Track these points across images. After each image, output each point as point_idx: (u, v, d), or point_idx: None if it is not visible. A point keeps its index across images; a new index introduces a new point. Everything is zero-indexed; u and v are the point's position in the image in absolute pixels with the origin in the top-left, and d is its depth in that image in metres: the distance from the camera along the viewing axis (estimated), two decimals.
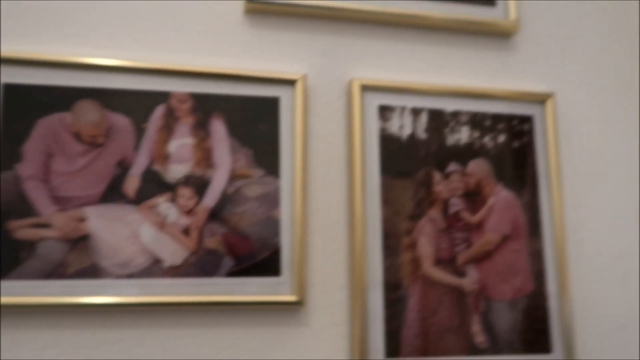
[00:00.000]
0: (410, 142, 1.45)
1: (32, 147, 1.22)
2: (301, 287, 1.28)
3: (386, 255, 1.36)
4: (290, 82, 1.38)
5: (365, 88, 1.43)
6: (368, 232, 1.36)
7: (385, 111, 1.44)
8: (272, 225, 1.31)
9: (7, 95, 1.23)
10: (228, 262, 1.27)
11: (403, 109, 1.46)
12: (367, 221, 1.36)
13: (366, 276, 1.33)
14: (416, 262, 1.38)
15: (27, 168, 1.21)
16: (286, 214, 1.32)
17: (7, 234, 1.18)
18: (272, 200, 1.32)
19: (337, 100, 1.44)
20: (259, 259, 1.29)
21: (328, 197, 1.38)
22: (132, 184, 1.26)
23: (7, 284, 1.15)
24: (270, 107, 1.37)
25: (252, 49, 1.42)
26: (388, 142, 1.43)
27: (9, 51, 1.24)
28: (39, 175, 1.21)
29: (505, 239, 1.45)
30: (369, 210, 1.37)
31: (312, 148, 1.40)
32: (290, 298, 1.27)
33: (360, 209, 1.35)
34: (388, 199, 1.40)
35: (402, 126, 1.45)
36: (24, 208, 1.20)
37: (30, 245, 1.18)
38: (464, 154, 1.48)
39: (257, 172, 1.33)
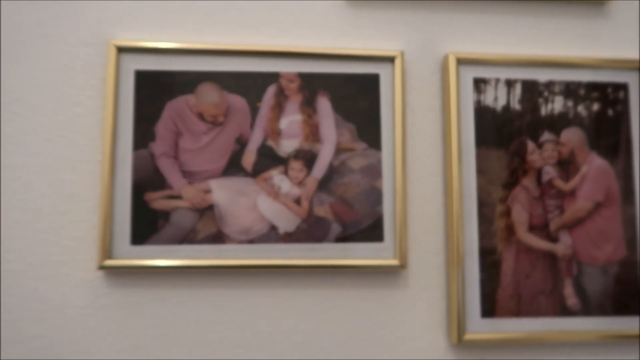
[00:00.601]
0: (505, 113, 1.44)
1: (163, 127, 1.32)
2: (402, 252, 1.33)
3: (481, 222, 1.39)
4: (389, 59, 1.40)
5: (461, 62, 1.43)
6: (464, 200, 1.39)
7: (480, 84, 1.44)
8: (375, 194, 1.36)
9: (139, 81, 1.32)
10: (336, 229, 1.34)
11: (497, 80, 1.45)
12: (463, 190, 1.39)
13: (463, 242, 1.36)
14: (510, 229, 1.40)
15: (160, 146, 1.31)
16: (387, 184, 1.36)
17: (146, 205, 1.29)
18: (374, 171, 1.37)
19: (433, 74, 1.45)
20: (364, 226, 1.34)
21: (426, 168, 1.41)
22: (249, 159, 1.34)
23: (148, 248, 1.27)
24: (370, 83, 1.40)
25: (352, 28, 1.44)
26: (483, 114, 1.43)
27: (138, 40, 1.33)
28: (170, 152, 1.31)
29: (598, 206, 1.44)
30: (465, 180, 1.40)
31: (410, 121, 1.42)
32: (393, 262, 1.33)
33: (456, 179, 1.38)
34: (483, 169, 1.41)
35: (496, 98, 1.45)
36: (158, 181, 1.30)
37: (165, 215, 1.29)
38: (558, 123, 1.46)
39: (360, 146, 1.38)
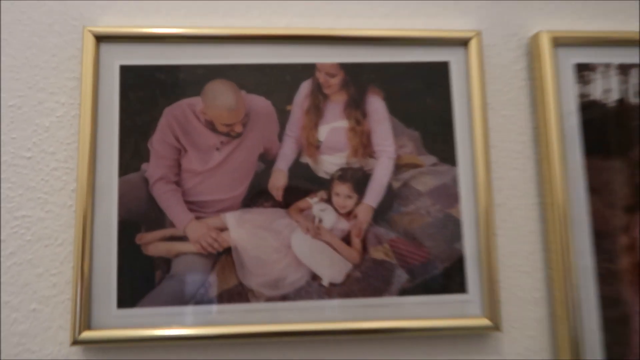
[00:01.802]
0: (620, 110, 1.01)
1: (160, 142, 0.90)
2: (494, 306, 0.89)
3: (599, 261, 0.94)
4: (462, 42, 0.97)
5: (557, 42, 0.99)
6: (572, 231, 0.94)
7: (584, 71, 1.00)
8: (452, 226, 0.93)
9: (125, 80, 0.90)
10: (400, 277, 0.90)
11: (607, 66, 1.02)
12: (569, 217, 0.94)
13: (573, 288, 0.93)
14: (639, 269, 0.97)
15: (156, 168, 0.89)
16: (467, 211, 0.92)
17: (138, 250, 0.87)
18: (449, 194, 0.93)
19: (521, 60, 1.01)
20: (439, 271, 0.91)
21: (515, 186, 0.97)
22: (278, 182, 0.92)
23: (142, 312, 0.85)
24: (438, 74, 0.96)
25: (413, 4, 1.02)
26: (591, 111, 1.00)
27: (123, 26, 0.93)
28: (170, 176, 0.90)
29: None
30: (572, 202, 0.95)
31: (493, 125, 0.98)
32: (482, 321, 0.89)
33: (560, 202, 0.94)
34: (596, 187, 0.97)
35: (608, 89, 1.01)
36: (155, 217, 0.88)
37: (165, 263, 0.87)
38: None
39: (428, 160, 0.95)
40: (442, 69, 0.97)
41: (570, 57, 1.00)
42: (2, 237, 0.87)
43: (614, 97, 0.99)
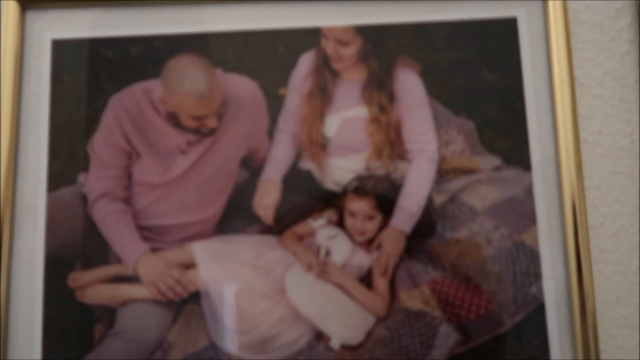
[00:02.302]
0: None
1: (104, 143, 0.65)
2: None
3: None
4: None
5: None
6: None
7: None
8: (525, 260, 0.62)
9: (58, 58, 0.66)
10: (448, 336, 0.61)
11: None
12: None
13: None
14: None
15: (97, 180, 0.64)
16: (549, 237, 0.62)
17: (71, 296, 0.62)
18: (520, 213, 0.63)
19: (621, 15, 0.70)
20: (507, 327, 0.61)
21: (620, 199, 0.65)
22: (267, 197, 0.65)
23: None
24: (500, 38, 0.67)
25: None
26: None
27: None
28: (117, 191, 0.65)
29: None
30: None
31: (584, 111, 0.67)
32: None
33: None
34: None
35: None
36: (94, 249, 0.63)
37: (107, 315, 0.62)
38: None
39: (488, 162, 0.65)
40: (506, 29, 0.68)
41: None
42: None
43: None
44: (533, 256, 0.63)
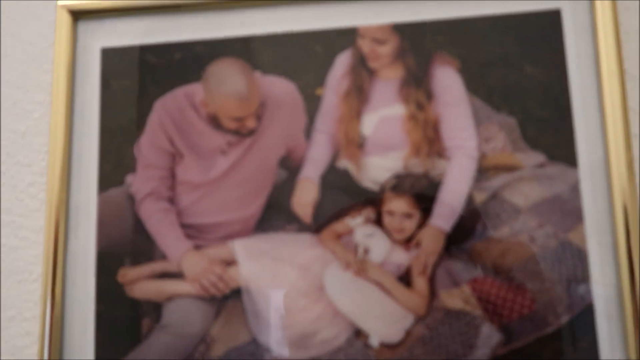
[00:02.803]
0: None
1: (149, 146, 0.67)
2: None
3: None
4: None
5: None
6: None
7: None
8: (572, 259, 0.59)
9: (107, 66, 0.69)
10: (490, 337, 0.58)
11: None
12: None
13: None
14: None
15: (144, 180, 0.66)
16: (598, 235, 0.59)
17: (120, 291, 0.65)
18: (565, 210, 0.60)
19: None
20: (553, 328, 0.58)
21: None
22: (306, 196, 0.65)
23: None
24: (543, 31, 0.64)
25: None
26: None
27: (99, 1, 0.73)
28: (162, 191, 0.66)
29: None
30: None
31: (633, 105, 0.63)
32: None
33: None
34: None
35: None
36: (141, 246, 0.66)
37: (154, 310, 0.64)
38: None
39: (531, 158, 0.62)
40: (550, 21, 0.65)
41: None
42: None
43: None
44: (580, 256, 0.59)
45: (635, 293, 0.57)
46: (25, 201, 0.71)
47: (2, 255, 0.70)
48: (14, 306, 0.69)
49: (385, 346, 0.61)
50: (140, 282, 0.65)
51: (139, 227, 0.66)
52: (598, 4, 0.64)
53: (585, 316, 0.59)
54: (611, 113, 0.62)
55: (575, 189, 0.61)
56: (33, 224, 0.70)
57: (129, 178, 0.67)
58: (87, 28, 0.70)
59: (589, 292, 0.59)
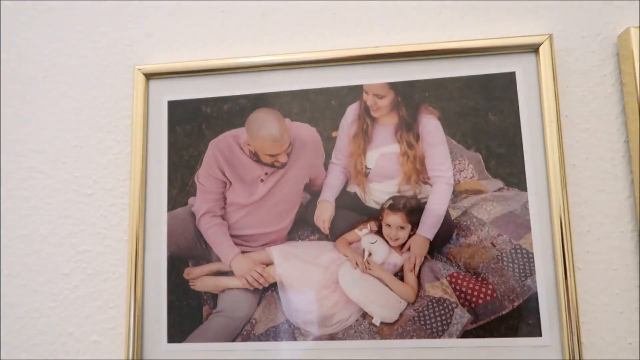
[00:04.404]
0: None
1: (206, 175, 0.88)
2: (575, 352, 0.76)
3: None
4: (530, 48, 0.83)
5: None
6: None
7: None
8: (522, 260, 0.79)
9: (173, 114, 0.90)
10: (461, 317, 0.79)
11: None
12: None
13: None
14: None
15: (202, 202, 0.87)
16: (541, 241, 0.79)
17: (186, 285, 0.86)
18: (517, 223, 0.80)
19: (603, 65, 0.85)
20: (507, 310, 0.78)
21: (601, 212, 0.81)
22: (324, 213, 0.85)
23: (190, 347, 0.83)
24: (502, 87, 0.84)
25: (467, 12, 0.89)
26: None
27: (169, 63, 0.91)
28: (216, 210, 0.87)
29: None
30: None
31: (571, 142, 0.84)
32: None
33: None
34: None
35: None
36: (201, 251, 0.86)
37: (212, 299, 0.85)
38: None
39: (492, 184, 0.82)
40: (507, 80, 0.84)
41: None
42: (68, 270, 0.91)
43: None
44: (528, 257, 0.80)
45: (567, 285, 0.78)
46: (108, 218, 0.92)
47: (91, 259, 0.92)
48: (101, 298, 0.91)
49: (385, 324, 0.81)
50: (200, 278, 0.86)
51: (199, 237, 0.87)
52: (542, 68, 0.84)
53: (531, 301, 0.79)
54: (551, 150, 0.81)
55: (525, 207, 0.81)
56: (115, 235, 0.91)
57: (191, 200, 0.88)
58: (157, 85, 0.91)
59: (534, 283, 0.79)
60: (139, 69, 0.90)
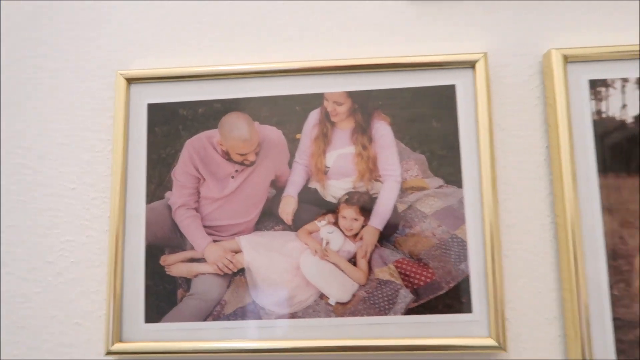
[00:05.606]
0: (638, 125, 0.96)
1: (181, 172, 0.97)
2: (499, 326, 0.89)
3: (614, 282, 0.91)
4: (468, 64, 0.96)
5: (569, 59, 0.96)
6: (585, 250, 0.91)
7: (599, 87, 0.97)
8: (457, 247, 0.92)
9: (152, 116, 0.99)
10: (405, 297, 0.92)
11: (625, 81, 0.97)
12: (583, 238, 0.91)
13: (586, 310, 0.89)
14: None
15: (178, 196, 0.96)
16: (474, 232, 0.92)
17: (162, 271, 0.95)
18: (454, 216, 0.93)
19: (531, 80, 0.98)
20: (444, 291, 0.91)
21: (525, 207, 0.95)
22: (288, 207, 0.96)
23: (165, 327, 0.93)
24: (444, 98, 0.96)
25: (417, 30, 1.02)
26: (606, 129, 0.95)
27: (150, 68, 1.01)
28: (190, 203, 0.97)
29: None
30: (585, 222, 0.92)
31: (502, 146, 0.97)
32: (487, 341, 0.88)
33: (573, 222, 0.91)
34: (612, 206, 0.93)
35: (625, 105, 0.96)
36: (177, 241, 0.96)
37: (186, 283, 0.94)
38: None
39: (434, 182, 0.95)
40: (448, 92, 0.97)
41: (584, 74, 0.96)
42: (51, 259, 0.99)
43: (632, 112, 0.95)
44: (463, 245, 0.92)
45: (495, 269, 0.90)
46: (90, 210, 1.00)
47: (73, 247, 0.99)
48: (83, 284, 0.99)
49: (339, 304, 0.92)
50: (175, 265, 0.95)
51: (175, 228, 0.96)
52: (478, 83, 0.96)
53: (464, 283, 0.91)
54: (484, 152, 0.94)
55: (461, 202, 0.94)
56: (96, 226, 1.00)
57: (168, 194, 0.97)
58: (138, 89, 1.00)
59: (467, 267, 0.91)
60: (121, 74, 0.99)
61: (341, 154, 0.97)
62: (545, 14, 1.01)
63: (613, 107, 0.95)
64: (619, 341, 0.88)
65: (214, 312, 0.93)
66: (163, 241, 0.96)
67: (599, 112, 0.95)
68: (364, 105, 0.98)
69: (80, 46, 1.05)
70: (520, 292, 0.93)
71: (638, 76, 0.95)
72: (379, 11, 1.03)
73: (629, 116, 0.95)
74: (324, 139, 0.97)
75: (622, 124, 0.95)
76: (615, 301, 0.89)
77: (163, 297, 0.94)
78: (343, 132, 0.97)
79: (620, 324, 0.89)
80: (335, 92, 0.98)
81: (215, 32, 1.04)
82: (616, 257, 0.91)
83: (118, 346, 0.92)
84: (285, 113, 0.98)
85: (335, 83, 0.98)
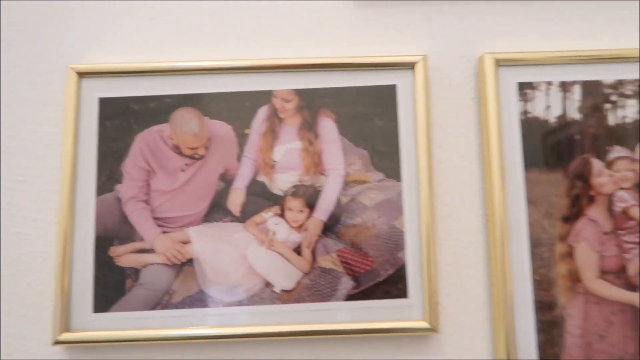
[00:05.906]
0: (561, 125, 1.04)
1: (132, 165, 0.99)
2: (433, 310, 0.95)
3: (536, 268, 0.99)
4: (408, 66, 1.02)
5: (500, 63, 1.03)
6: (511, 239, 0.99)
7: (526, 89, 1.04)
8: (395, 237, 0.99)
9: (103, 110, 1.00)
10: (346, 284, 0.97)
11: (549, 84, 1.05)
12: (509, 227, 0.99)
13: (511, 294, 0.97)
14: (574, 275, 0.99)
15: (128, 188, 0.98)
16: (411, 223, 0.98)
17: (111, 261, 0.97)
18: (393, 208, 0.99)
19: (466, 82, 1.06)
20: (382, 278, 0.97)
21: (460, 200, 1.02)
22: (236, 199, 1.00)
23: (114, 316, 0.95)
24: (385, 97, 1.02)
25: (361, 32, 1.07)
26: (532, 127, 1.03)
27: (102, 63, 1.03)
28: (140, 196, 0.99)
29: None
30: (512, 213, 1.00)
31: (438, 143, 1.03)
32: (421, 324, 0.95)
33: (500, 212, 0.99)
34: (535, 198, 1.01)
35: (548, 106, 1.05)
36: (126, 232, 0.98)
37: (134, 273, 0.96)
38: (632, 134, 1.05)
39: (375, 176, 1.01)
40: (389, 91, 1.03)
41: (513, 77, 1.04)
42: (1, 252, 0.99)
43: (555, 113, 1.03)
44: (400, 235, 0.98)
45: (429, 257, 0.97)
46: (38, 202, 1.01)
47: (21, 239, 1.00)
48: (30, 275, 0.99)
49: (284, 291, 0.97)
50: (125, 256, 0.97)
51: (124, 220, 0.98)
52: (417, 83, 1.02)
53: (401, 270, 0.97)
54: (422, 148, 1.00)
55: (399, 195, 1.00)
56: (45, 218, 1.00)
57: (118, 187, 0.99)
58: (89, 83, 1.01)
59: (404, 256, 0.98)
60: (72, 68, 1.00)
61: (288, 149, 1.01)
62: (481, 20, 1.08)
63: (538, 108, 1.04)
64: (539, 321, 0.96)
65: (162, 301, 0.95)
66: (112, 233, 0.97)
67: (525, 113, 1.04)
68: (311, 103, 1.02)
69: (31, 40, 1.05)
70: (453, 279, 1.00)
71: (561, 80, 1.04)
72: (326, 12, 1.08)
73: (552, 116, 1.04)
74: (272, 134, 1.01)
75: (546, 123, 1.03)
76: (535, 285, 0.98)
77: (112, 287, 0.96)
78: (290, 128, 1.02)
79: (540, 306, 0.97)
80: (284, 89, 1.02)
81: (167, 29, 1.06)
82: (538, 245, 0.99)
83: (66, 335, 0.93)
84: (235, 109, 1.01)
85: (283, 81, 1.03)
